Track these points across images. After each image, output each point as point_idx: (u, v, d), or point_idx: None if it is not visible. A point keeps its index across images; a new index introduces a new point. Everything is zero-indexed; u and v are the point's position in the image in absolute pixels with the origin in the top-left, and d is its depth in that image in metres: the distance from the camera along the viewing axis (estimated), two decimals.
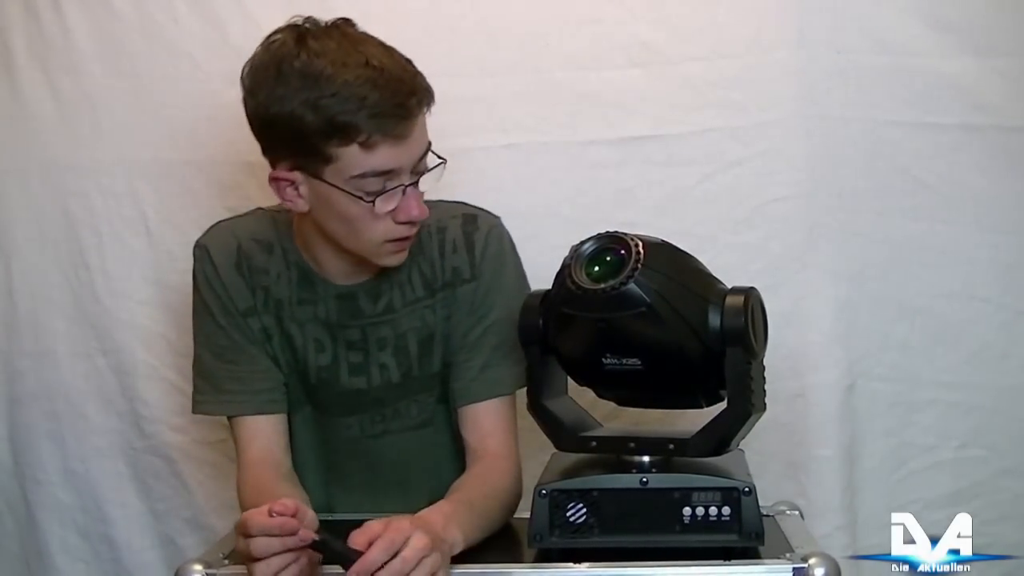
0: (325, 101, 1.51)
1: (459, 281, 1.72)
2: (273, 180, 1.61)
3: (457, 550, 1.45)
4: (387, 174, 1.55)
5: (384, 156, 1.54)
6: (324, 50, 1.53)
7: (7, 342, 2.17)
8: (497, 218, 1.76)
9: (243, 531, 1.35)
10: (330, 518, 1.67)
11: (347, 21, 1.60)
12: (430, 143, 1.60)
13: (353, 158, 1.53)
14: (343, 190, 1.55)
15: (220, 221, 1.76)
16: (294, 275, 1.71)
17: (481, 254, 1.71)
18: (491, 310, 1.71)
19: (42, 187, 2.14)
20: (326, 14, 1.88)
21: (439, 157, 1.62)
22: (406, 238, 1.62)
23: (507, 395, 1.71)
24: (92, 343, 2.15)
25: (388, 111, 1.51)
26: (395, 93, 1.52)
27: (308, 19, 1.58)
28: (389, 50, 1.57)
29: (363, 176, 1.54)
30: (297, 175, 1.58)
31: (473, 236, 1.72)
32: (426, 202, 1.73)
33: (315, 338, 1.72)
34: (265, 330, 1.71)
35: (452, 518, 1.48)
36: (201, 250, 1.72)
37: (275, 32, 1.59)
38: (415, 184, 1.58)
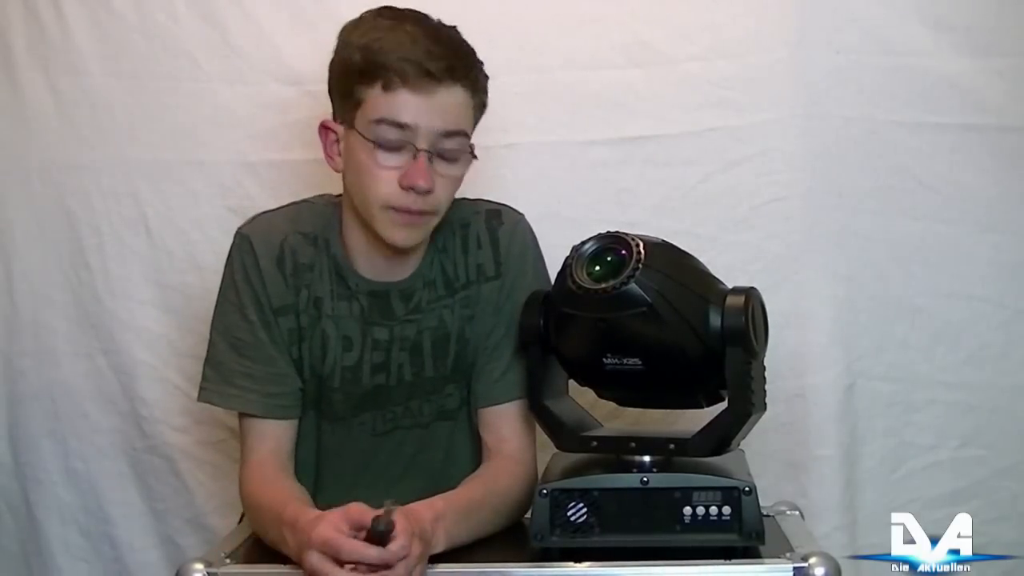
0: (369, 43, 1.58)
1: (483, 278, 1.71)
2: (322, 129, 1.66)
3: (437, 550, 1.46)
4: (403, 128, 1.57)
5: (401, 104, 1.56)
6: (397, 16, 1.62)
7: (7, 342, 2.17)
8: (521, 214, 1.76)
9: (332, 552, 1.37)
10: None
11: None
12: (466, 133, 1.62)
13: (375, 100, 1.57)
14: (361, 135, 1.58)
15: (264, 212, 1.73)
16: (331, 268, 1.69)
17: (507, 251, 1.72)
18: (514, 310, 1.69)
19: (42, 187, 2.14)
20: (326, 14, 1.89)
21: (472, 155, 1.65)
22: (408, 211, 1.60)
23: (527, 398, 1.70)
24: (93, 343, 2.15)
25: (416, 62, 1.55)
26: (429, 52, 1.56)
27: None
28: (457, 35, 1.64)
29: (380, 122, 1.57)
30: (339, 127, 1.63)
31: (498, 232, 1.72)
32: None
33: (345, 335, 1.69)
34: (299, 330, 1.68)
35: (441, 518, 1.49)
36: (243, 239, 1.68)
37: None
38: (430, 157, 1.58)
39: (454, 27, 1.64)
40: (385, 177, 1.58)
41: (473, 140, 1.86)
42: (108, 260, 2.13)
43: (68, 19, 2.11)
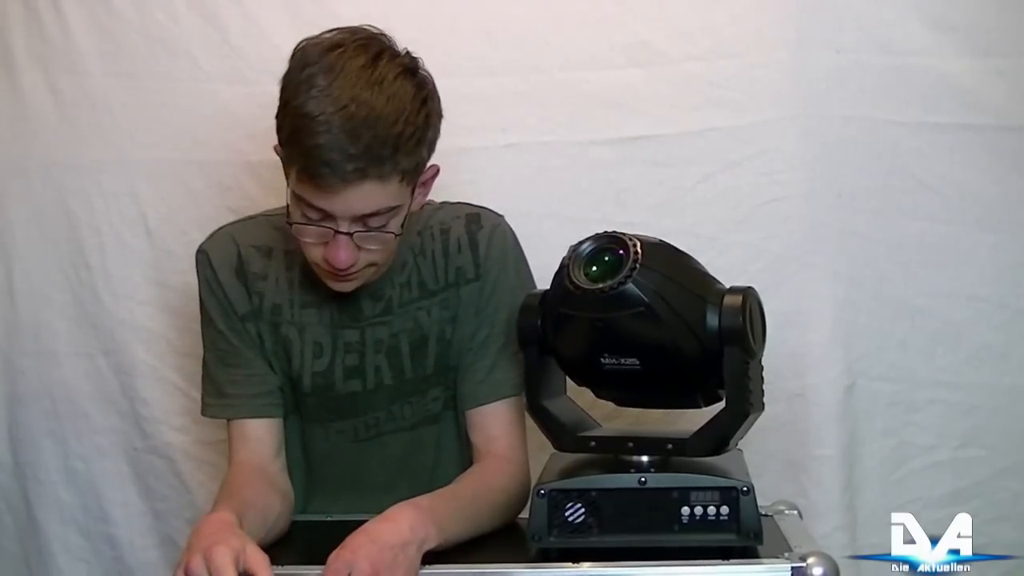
0: (294, 115, 1.51)
1: (463, 281, 1.71)
2: (277, 152, 1.62)
3: (430, 545, 1.45)
4: (320, 211, 1.54)
5: (310, 194, 1.52)
6: (335, 70, 1.51)
7: (8, 342, 2.17)
8: (500, 216, 1.75)
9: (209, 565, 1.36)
10: (324, 519, 1.68)
11: (400, 60, 1.56)
12: (391, 208, 1.55)
13: (294, 177, 1.55)
14: (290, 197, 1.57)
15: (221, 227, 1.76)
16: (297, 277, 1.71)
17: (485, 253, 1.71)
18: (497, 310, 1.71)
19: (42, 187, 2.14)
20: (325, 14, 1.89)
21: (423, 183, 1.61)
22: (337, 274, 1.59)
23: (514, 396, 1.70)
24: (93, 343, 2.15)
25: (319, 159, 1.48)
26: (338, 149, 1.48)
27: (375, 37, 1.57)
28: (396, 109, 1.51)
29: (299, 199, 1.55)
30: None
31: (477, 235, 1.72)
32: (427, 204, 1.73)
33: (314, 341, 1.71)
34: (259, 335, 1.71)
35: (428, 512, 1.47)
36: (202, 255, 1.72)
37: (336, 29, 1.58)
38: (350, 235, 1.54)
39: (403, 91, 1.53)
40: (309, 246, 1.58)
41: (473, 140, 1.87)
42: (108, 260, 2.14)
43: (68, 19, 2.11)
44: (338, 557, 1.38)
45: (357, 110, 1.49)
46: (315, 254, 1.58)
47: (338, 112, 1.48)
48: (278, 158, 2.05)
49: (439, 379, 1.74)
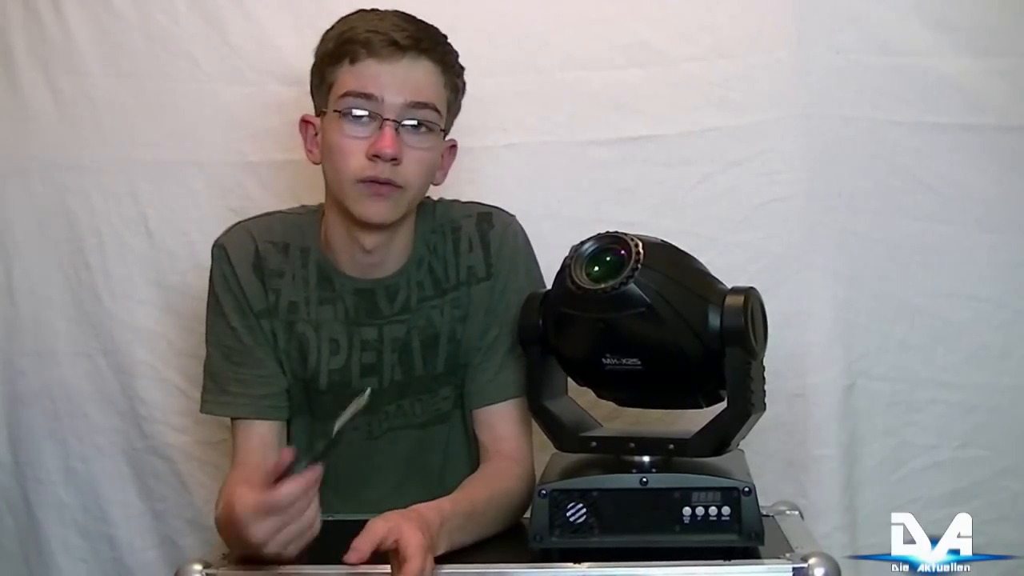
0: (339, 31, 1.63)
1: (474, 280, 1.72)
2: (302, 124, 1.70)
3: (438, 553, 1.45)
4: (370, 99, 1.59)
5: (366, 74, 1.59)
6: (375, 9, 1.65)
7: (8, 342, 2.16)
8: (512, 216, 1.76)
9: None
10: (327, 518, 1.68)
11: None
12: (435, 108, 1.63)
13: (344, 76, 1.61)
14: (332, 113, 1.61)
15: (239, 222, 1.76)
16: (313, 274, 1.71)
17: (497, 253, 1.72)
18: (507, 310, 1.71)
19: (42, 187, 2.13)
20: (325, 14, 1.89)
21: (444, 134, 1.67)
22: (376, 181, 1.60)
23: (522, 396, 1.69)
24: (92, 343, 2.14)
25: (382, 33, 1.59)
26: (396, 26, 1.60)
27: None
28: (432, 25, 1.65)
29: (347, 95, 1.60)
30: (316, 119, 1.66)
31: (488, 234, 1.73)
32: (440, 202, 1.74)
33: (331, 339, 1.71)
34: (273, 333, 1.71)
35: (445, 523, 1.48)
36: (219, 250, 1.71)
37: None
38: (397, 127, 1.60)
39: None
40: (354, 149, 1.60)
41: (473, 140, 1.87)
42: (108, 260, 2.13)
43: (68, 19, 2.10)
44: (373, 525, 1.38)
45: (409, 15, 1.65)
46: (356, 161, 1.60)
47: (387, 11, 1.65)
48: (278, 159, 2.07)
49: (449, 378, 1.74)
